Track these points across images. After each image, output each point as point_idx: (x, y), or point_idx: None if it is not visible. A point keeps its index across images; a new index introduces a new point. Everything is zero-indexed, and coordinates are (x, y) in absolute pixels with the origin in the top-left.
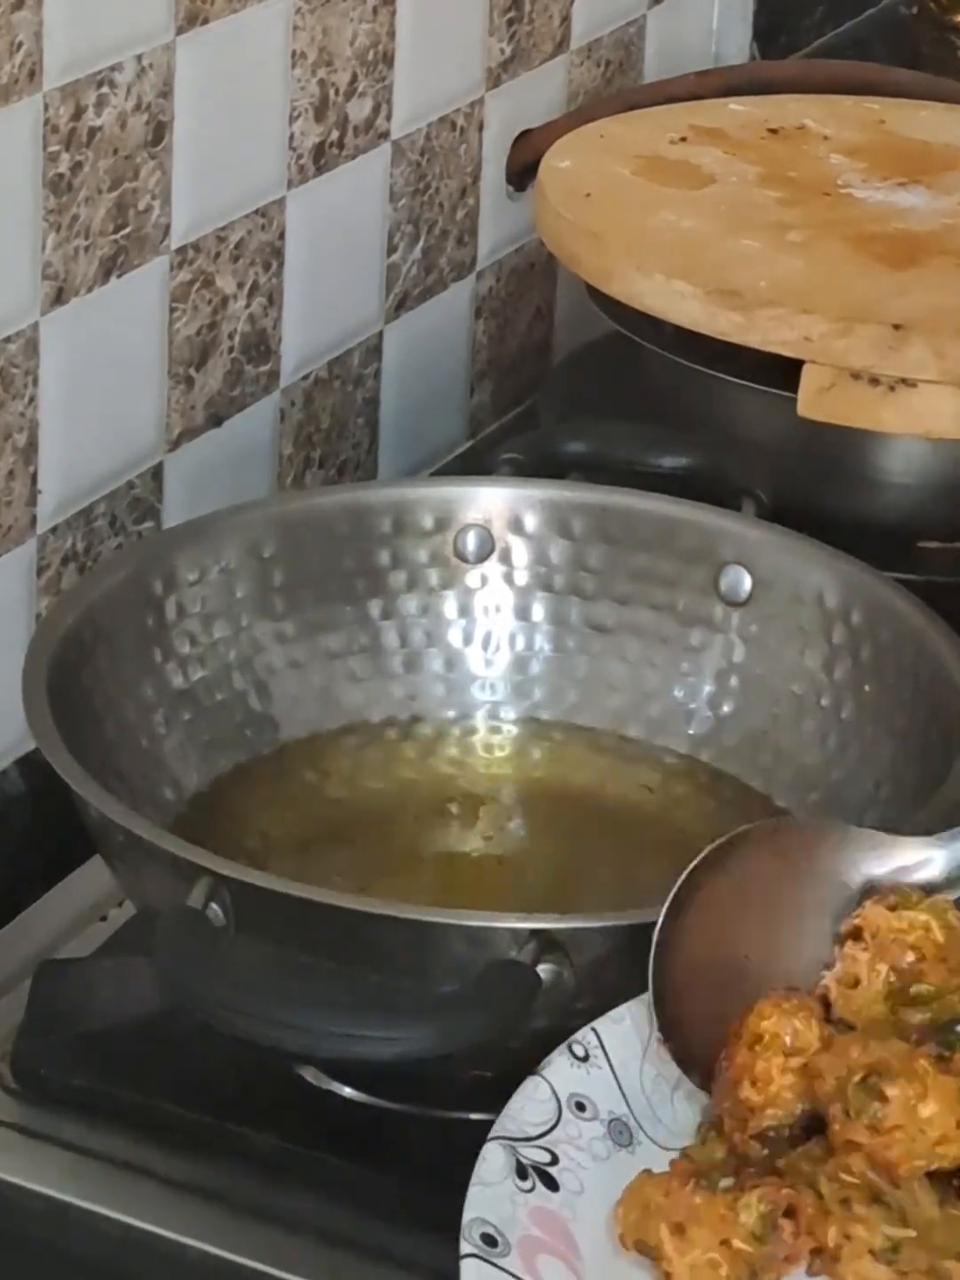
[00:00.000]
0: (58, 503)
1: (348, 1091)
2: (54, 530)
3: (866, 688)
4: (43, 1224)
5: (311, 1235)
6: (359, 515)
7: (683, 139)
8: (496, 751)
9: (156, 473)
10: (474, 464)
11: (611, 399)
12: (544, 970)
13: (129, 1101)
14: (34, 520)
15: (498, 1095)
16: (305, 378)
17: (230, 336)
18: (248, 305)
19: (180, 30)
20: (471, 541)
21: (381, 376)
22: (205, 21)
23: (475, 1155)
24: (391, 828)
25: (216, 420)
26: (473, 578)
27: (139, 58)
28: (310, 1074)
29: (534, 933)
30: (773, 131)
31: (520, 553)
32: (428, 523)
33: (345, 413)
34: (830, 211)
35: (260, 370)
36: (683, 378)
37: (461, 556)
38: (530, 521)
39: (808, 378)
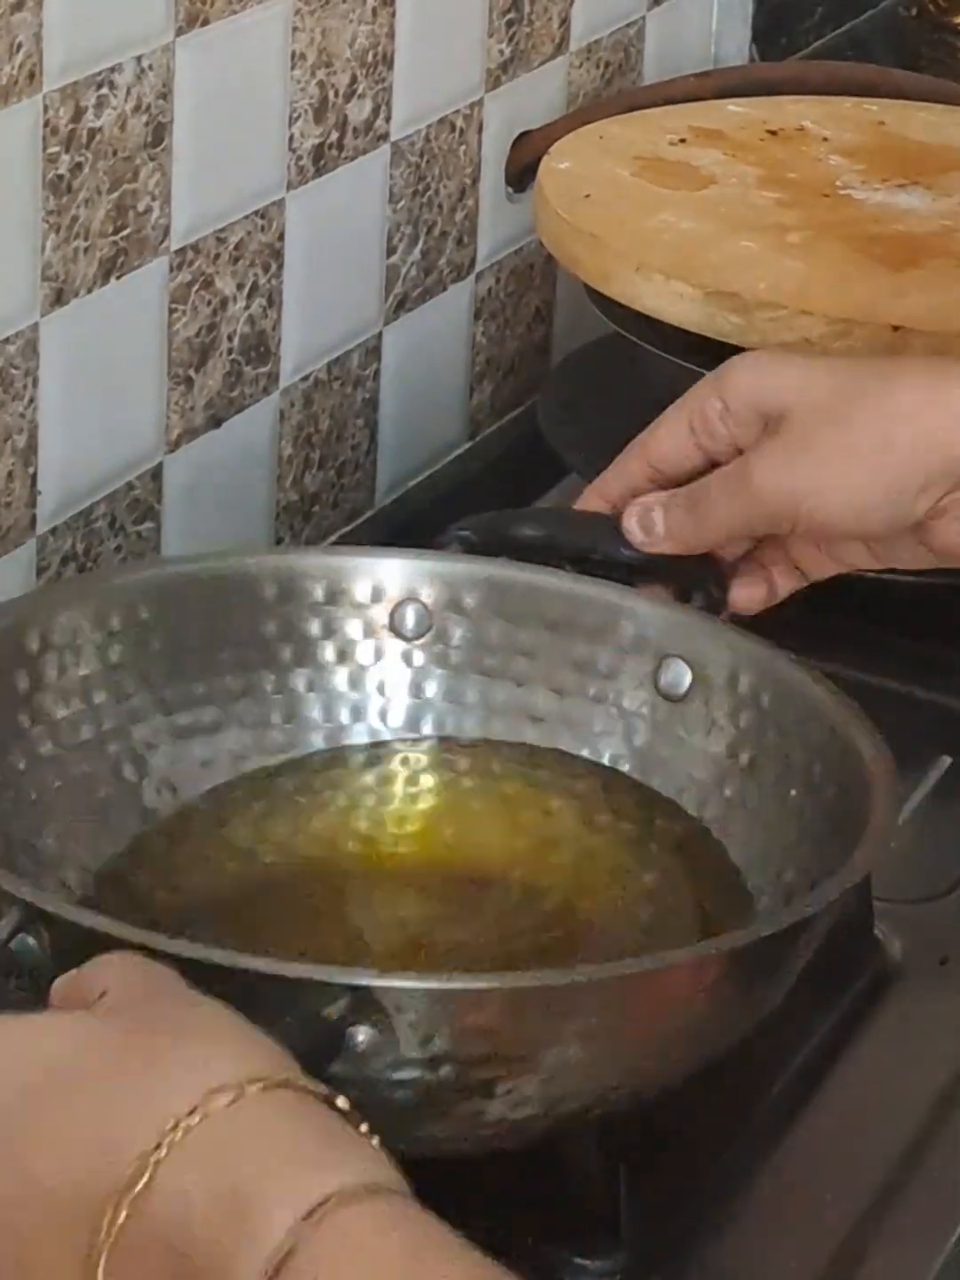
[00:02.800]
0: (57, 504)
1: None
2: (53, 531)
3: (776, 771)
4: None
5: None
6: (290, 580)
7: (682, 140)
8: (409, 826)
9: (156, 474)
10: (474, 465)
11: (611, 400)
12: (362, 1030)
13: None
14: (34, 521)
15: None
16: (304, 379)
17: (229, 338)
18: (247, 306)
19: (180, 32)
20: (410, 617)
21: (381, 378)
22: (205, 23)
23: (474, 1156)
24: (310, 891)
25: (216, 421)
26: (407, 655)
27: (138, 59)
28: None
29: (350, 989)
30: (772, 133)
31: (456, 632)
32: (363, 594)
33: (344, 414)
34: (829, 213)
35: (259, 371)
36: (682, 379)
37: (398, 632)
38: (469, 600)
39: None
